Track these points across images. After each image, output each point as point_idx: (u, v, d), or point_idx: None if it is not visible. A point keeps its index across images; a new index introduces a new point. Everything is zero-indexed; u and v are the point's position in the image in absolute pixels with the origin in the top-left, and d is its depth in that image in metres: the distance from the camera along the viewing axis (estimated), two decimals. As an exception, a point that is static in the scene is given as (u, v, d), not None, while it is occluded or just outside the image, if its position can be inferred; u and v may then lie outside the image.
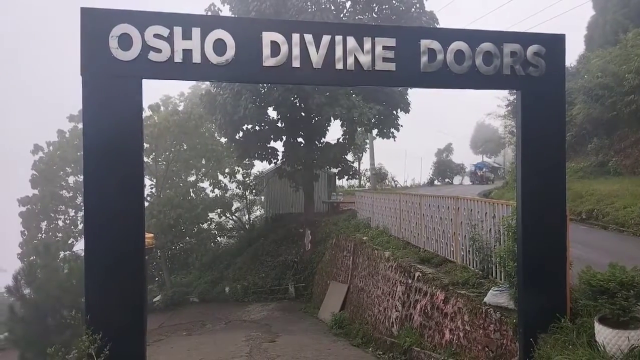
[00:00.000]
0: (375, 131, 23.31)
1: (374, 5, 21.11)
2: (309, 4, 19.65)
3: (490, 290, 7.67)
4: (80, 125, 26.05)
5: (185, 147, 27.39)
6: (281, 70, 5.73)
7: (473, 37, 6.18)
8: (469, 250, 9.62)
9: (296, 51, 5.68)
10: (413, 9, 20.82)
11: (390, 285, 12.29)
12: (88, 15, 5.33)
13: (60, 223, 26.21)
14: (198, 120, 26.25)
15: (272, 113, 22.54)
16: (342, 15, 20.83)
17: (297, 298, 22.21)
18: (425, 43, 5.99)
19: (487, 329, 7.54)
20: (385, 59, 5.87)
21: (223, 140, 26.36)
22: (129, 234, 5.38)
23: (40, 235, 25.56)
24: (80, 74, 5.36)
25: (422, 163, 67.23)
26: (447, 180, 43.85)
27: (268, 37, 5.63)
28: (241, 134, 22.45)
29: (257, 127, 22.45)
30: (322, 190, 27.35)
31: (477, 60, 6.14)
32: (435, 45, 6.01)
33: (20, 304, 14.91)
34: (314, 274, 22.16)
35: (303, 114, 22.02)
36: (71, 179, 26.63)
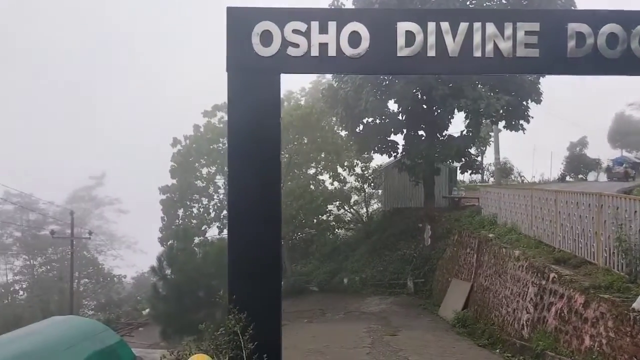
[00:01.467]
0: (502, 123, 22.18)
1: (504, -11, 20.02)
2: (434, -9, 19.13)
3: (641, 296, 6.97)
4: (213, 120, 28.19)
5: (306, 141, 28.16)
6: (415, 60, 5.66)
7: (629, 18, 5.61)
8: (613, 252, 8.82)
9: (431, 40, 5.57)
10: (547, -8, 19.40)
11: (520, 286, 11.66)
12: (233, 14, 5.66)
13: (195, 210, 28.36)
14: (319, 114, 26.84)
15: (392, 106, 22.34)
16: (468, 3, 20.03)
17: (415, 293, 21.92)
18: (573, 26, 5.55)
19: (635, 337, 6.87)
20: (527, 45, 5.54)
21: (343, 133, 26.71)
22: (267, 221, 5.65)
23: (177, 221, 27.85)
24: (225, 70, 5.72)
25: (553, 158, 62.61)
26: (580, 176, 40.44)
27: (403, 27, 5.58)
28: (361, 127, 22.54)
29: (377, 120, 22.40)
30: (442, 185, 26.61)
31: (632, 44, 5.56)
32: (584, 28, 5.55)
33: (162, 284, 16.50)
34: (433, 270, 21.71)
35: (425, 106, 21.57)
36: (205, 170, 28.66)
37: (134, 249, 53.16)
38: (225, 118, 28.05)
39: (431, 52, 5.58)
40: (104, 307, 39.19)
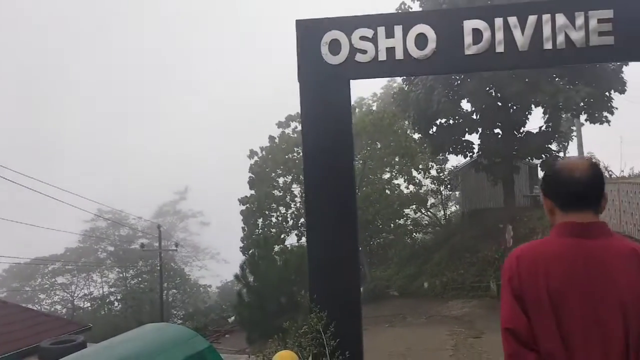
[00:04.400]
0: (583, 116, 21.14)
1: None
2: (502, -13, 18.69)
3: None
4: (287, 130, 28.97)
5: (379, 146, 28.22)
6: (484, 58, 5.68)
7: None
8: None
9: (499, 36, 5.57)
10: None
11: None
12: (302, 26, 5.96)
13: (274, 219, 29.17)
14: (391, 119, 26.84)
15: (466, 105, 21.96)
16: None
17: (499, 296, 21.20)
18: (650, 10, 5.36)
19: None
20: (601, 33, 5.40)
21: (416, 136, 26.52)
22: (344, 225, 5.86)
23: (257, 230, 28.77)
24: (297, 80, 6.02)
25: (643, 150, 58.57)
26: (677, 168, 37.49)
27: (469, 25, 5.63)
28: (435, 128, 22.29)
29: (450, 121, 22.08)
30: (523, 184, 25.72)
31: None
32: (663, 10, 5.34)
33: (246, 291, 17.15)
34: (517, 271, 20.98)
35: (500, 104, 20.99)
36: (281, 180, 29.45)
37: (217, 260, 55.29)
38: (299, 128, 28.76)
39: (500, 48, 5.58)
40: (192, 316, 41.00)
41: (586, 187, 2.04)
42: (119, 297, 47.02)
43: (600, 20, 5.39)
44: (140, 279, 48.67)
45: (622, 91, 19.66)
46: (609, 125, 20.25)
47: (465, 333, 14.05)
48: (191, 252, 53.87)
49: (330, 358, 4.70)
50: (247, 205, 29.21)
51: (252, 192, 29.33)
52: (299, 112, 22.56)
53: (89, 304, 45.53)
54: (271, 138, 29.46)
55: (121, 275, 48.22)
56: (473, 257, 23.99)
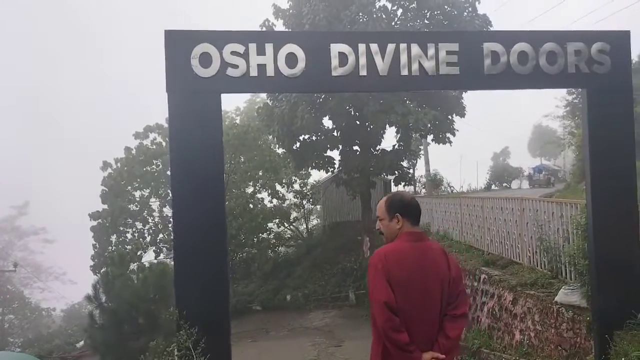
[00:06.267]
0: (430, 137, 23.26)
1: (426, 11, 21.17)
2: (360, 14, 19.94)
3: (562, 289, 7.63)
4: (145, 142, 27.64)
5: (243, 159, 28.19)
6: (349, 79, 6.02)
7: (536, 37, 6.26)
8: (536, 251, 9.56)
9: (363, 60, 5.96)
10: (465, 13, 20.72)
11: (454, 289, 12.28)
12: (172, 37, 5.81)
13: (129, 235, 27.48)
14: (256, 133, 27.01)
15: (327, 122, 22.94)
16: (393, 24, 21.01)
17: (357, 305, 22.34)
18: (488, 46, 6.13)
19: (559, 328, 7.50)
20: (449, 64, 6.05)
21: (280, 151, 26.97)
22: (213, 240, 5.77)
23: (110, 247, 26.85)
24: (165, 91, 5.85)
25: (478, 167, 65.85)
26: (504, 184, 42.81)
27: (336, 48, 5.94)
28: (298, 144, 22.92)
29: (313, 137, 22.88)
30: (378, 198, 27.26)
31: (540, 61, 6.21)
32: (498, 47, 6.14)
33: (99, 312, 15.87)
34: (373, 280, 22.23)
35: (358, 122, 22.27)
36: (138, 194, 27.92)
37: (63, 280, 50.63)
38: (158, 139, 27.63)
39: (363, 72, 5.96)
40: (33, 342, 36.92)
41: (419, 211, 3.48)
42: (-60, 327, 40.77)
43: (448, 52, 6.04)
44: (-32, 304, 42.71)
45: (462, 115, 22.06)
46: (451, 145, 22.55)
47: (327, 343, 14.52)
48: (32, 273, 48.58)
49: (199, 376, 4.60)
50: (99, 220, 27.21)
51: (105, 206, 27.40)
52: (158, 123, 21.68)
53: None
54: (127, 149, 27.85)
55: (-55, 301, 41.91)
56: (333, 269, 24.95)
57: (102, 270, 21.79)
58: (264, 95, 27.56)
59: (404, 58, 6.00)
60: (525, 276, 9.33)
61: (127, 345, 14.56)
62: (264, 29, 20.77)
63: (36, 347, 32.45)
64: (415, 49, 6.02)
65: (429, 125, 20.82)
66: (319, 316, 21.53)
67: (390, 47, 6.00)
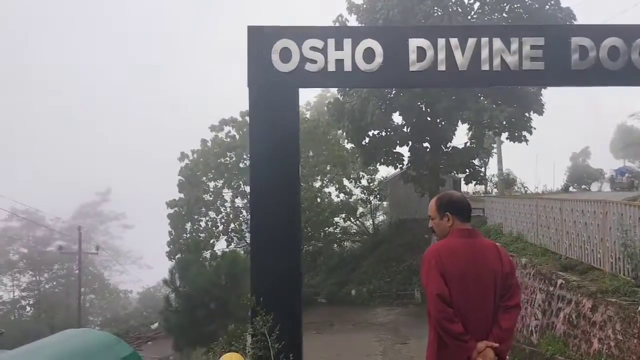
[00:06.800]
0: (505, 135, 22.51)
1: (504, 4, 20.47)
2: (435, 8, 19.60)
3: (648, 298, 7.19)
4: (220, 134, 28.57)
5: (311, 154, 28.50)
6: (427, 74, 5.97)
7: (629, 31, 5.92)
8: (619, 257, 9.05)
9: (442, 55, 5.88)
10: (547, 6, 19.83)
11: (528, 293, 11.86)
12: (254, 33, 5.99)
13: (203, 224, 28.58)
14: (325, 128, 27.23)
15: (397, 118, 22.76)
16: (469, 17, 20.48)
17: (422, 303, 22.02)
18: (576, 40, 5.86)
19: (643, 339, 7.07)
20: (533, 59, 5.84)
21: (349, 146, 27.04)
22: (288, 230, 5.91)
23: (185, 235, 28.07)
24: (246, 86, 6.05)
25: (555, 168, 62.92)
26: (583, 186, 40.61)
27: (414, 43, 5.89)
28: (367, 140, 22.90)
29: (383, 133, 22.78)
30: (447, 196, 26.88)
31: (633, 56, 5.86)
32: (586, 42, 5.86)
33: (174, 296, 16.74)
34: (440, 280, 21.87)
35: (429, 118, 21.95)
36: (212, 184, 28.95)
37: (140, 264, 53.40)
38: (232, 132, 28.48)
39: (441, 67, 5.88)
40: (111, 322, 39.34)
41: (470, 208, 3.62)
42: (31, 302, 44.21)
43: (532, 47, 5.84)
44: (55, 283, 46.06)
45: (540, 112, 21.15)
46: (527, 144, 21.70)
47: (392, 339, 14.46)
48: (112, 256, 51.62)
49: (274, 361, 4.75)
50: (176, 208, 28.46)
51: (181, 195, 28.61)
52: (233, 116, 22.31)
53: (-3, 309, 42.47)
54: (203, 141, 28.93)
55: (34, 278, 45.38)
56: (399, 266, 24.75)
57: (177, 257, 22.90)
58: (334, 90, 27.71)
59: (485, 53, 5.86)
60: (606, 283, 8.85)
61: (200, 329, 15.27)
62: (337, 24, 20.85)
63: (114, 327, 34.59)
64: (497, 43, 5.86)
65: (504, 122, 20.16)
66: (384, 312, 21.46)
67: (471, 41, 5.87)
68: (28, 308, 44.40)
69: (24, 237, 46.39)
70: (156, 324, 29.50)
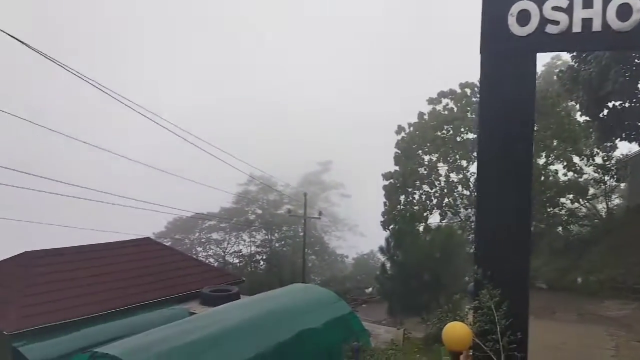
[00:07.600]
0: None
1: None
2: None
3: None
4: (438, 107, 28.32)
5: (537, 127, 26.33)
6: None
7: None
8: None
9: None
10: None
11: None
12: (490, -2, 5.75)
13: (417, 197, 28.93)
14: (555, 99, 24.85)
15: (646, 87, 19.62)
16: None
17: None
18: None
19: None
20: None
21: (582, 119, 24.30)
22: (516, 202, 5.67)
23: (399, 207, 28.78)
24: (479, 53, 5.86)
25: None
26: None
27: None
28: (606, 111, 20.29)
29: (626, 104, 19.91)
30: None
31: None
32: None
33: (390, 263, 17.41)
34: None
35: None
36: (427, 158, 28.99)
37: (355, 232, 56.63)
38: (450, 105, 27.95)
39: None
40: (329, 282, 42.68)
41: None
42: (264, 257, 50.44)
43: None
44: (283, 242, 51.64)
45: None
46: None
47: (627, 336, 12.86)
48: (330, 222, 55.76)
49: (500, 336, 4.63)
50: (391, 180, 29.29)
51: (397, 168, 29.29)
52: (452, 88, 21.88)
53: (237, 260, 49.48)
54: (420, 114, 29.02)
55: (267, 237, 51.54)
56: (637, 256, 21.67)
57: (392, 227, 23.64)
58: (566, 57, 25.04)
59: None
60: None
61: (413, 297, 15.66)
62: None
63: (331, 286, 37.46)
64: None
65: None
66: (616, 306, 19.11)
67: None
68: (261, 262, 50.75)
69: (259, 200, 52.86)
70: (370, 289, 31.07)
